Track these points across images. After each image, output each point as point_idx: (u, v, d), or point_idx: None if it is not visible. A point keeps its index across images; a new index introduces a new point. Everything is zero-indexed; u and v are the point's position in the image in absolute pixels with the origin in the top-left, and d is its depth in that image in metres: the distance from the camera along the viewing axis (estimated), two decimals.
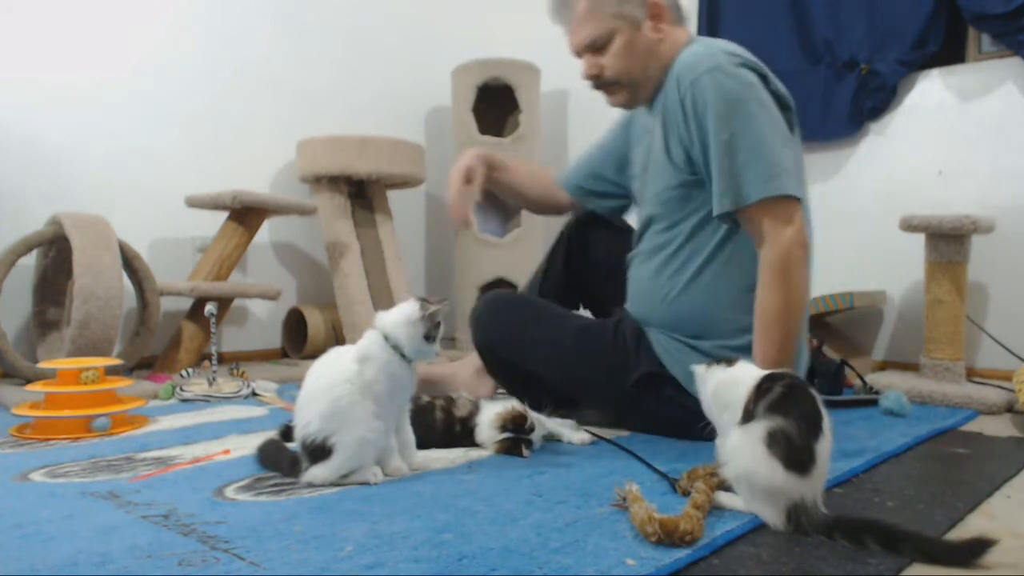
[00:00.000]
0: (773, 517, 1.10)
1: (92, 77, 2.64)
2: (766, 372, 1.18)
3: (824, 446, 1.08)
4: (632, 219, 1.88)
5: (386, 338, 1.34)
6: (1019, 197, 2.47)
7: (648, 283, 1.69)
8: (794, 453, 1.06)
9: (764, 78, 1.54)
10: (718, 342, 1.60)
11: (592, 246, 1.92)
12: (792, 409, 1.09)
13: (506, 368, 1.85)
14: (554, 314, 1.80)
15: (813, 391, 1.13)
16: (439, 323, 1.35)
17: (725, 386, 1.21)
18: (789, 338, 1.45)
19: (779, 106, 1.54)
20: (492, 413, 1.59)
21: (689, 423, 1.41)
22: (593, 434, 1.67)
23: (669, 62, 1.61)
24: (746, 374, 1.19)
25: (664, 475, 1.34)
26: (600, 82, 1.67)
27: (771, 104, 1.52)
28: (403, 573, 0.95)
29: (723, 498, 1.17)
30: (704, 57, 1.52)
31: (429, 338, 1.34)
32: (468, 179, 1.79)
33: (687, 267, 1.62)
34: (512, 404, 1.60)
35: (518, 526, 1.11)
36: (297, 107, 3.15)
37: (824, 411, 1.11)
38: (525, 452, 1.52)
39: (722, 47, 1.56)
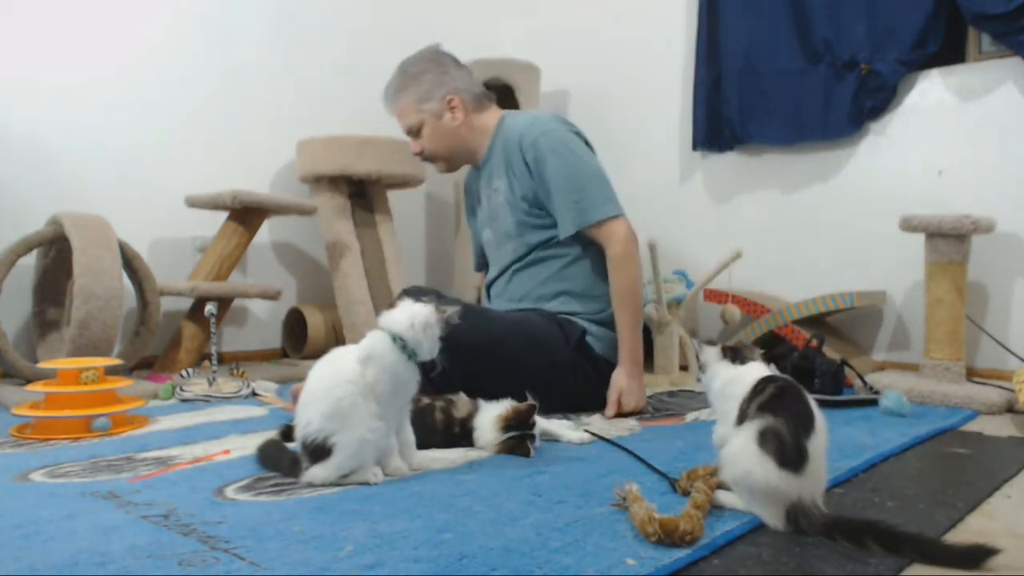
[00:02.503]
0: (773, 518, 1.10)
1: (92, 77, 2.64)
2: (764, 374, 1.18)
3: (817, 444, 1.09)
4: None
5: (394, 338, 1.34)
6: (1019, 197, 2.47)
7: (531, 282, 2.12)
8: (786, 451, 1.07)
9: (578, 134, 2.12)
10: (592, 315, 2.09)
11: None
12: (781, 408, 1.10)
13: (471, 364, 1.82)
14: (496, 312, 2.09)
15: (804, 391, 1.14)
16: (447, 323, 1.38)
17: (732, 383, 1.21)
18: (639, 307, 2.01)
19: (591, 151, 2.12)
20: (492, 415, 1.58)
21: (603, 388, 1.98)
22: (593, 434, 1.68)
23: (486, 135, 2.16)
24: (750, 376, 1.19)
25: (664, 475, 1.34)
26: (423, 157, 2.20)
27: (588, 150, 2.10)
28: (403, 573, 0.95)
29: (723, 497, 1.17)
30: (534, 125, 2.07)
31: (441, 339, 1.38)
32: None
33: (555, 267, 2.09)
34: (510, 403, 1.59)
35: (518, 526, 1.11)
36: (297, 107, 3.15)
37: (816, 410, 1.12)
38: (532, 451, 1.52)
39: (546, 115, 2.14)
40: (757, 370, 1.21)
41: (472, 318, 1.83)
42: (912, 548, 1.00)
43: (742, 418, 1.14)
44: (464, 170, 2.34)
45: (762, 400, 1.12)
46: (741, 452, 1.11)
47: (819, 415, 1.12)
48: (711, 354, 1.28)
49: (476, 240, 2.39)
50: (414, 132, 2.15)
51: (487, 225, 2.25)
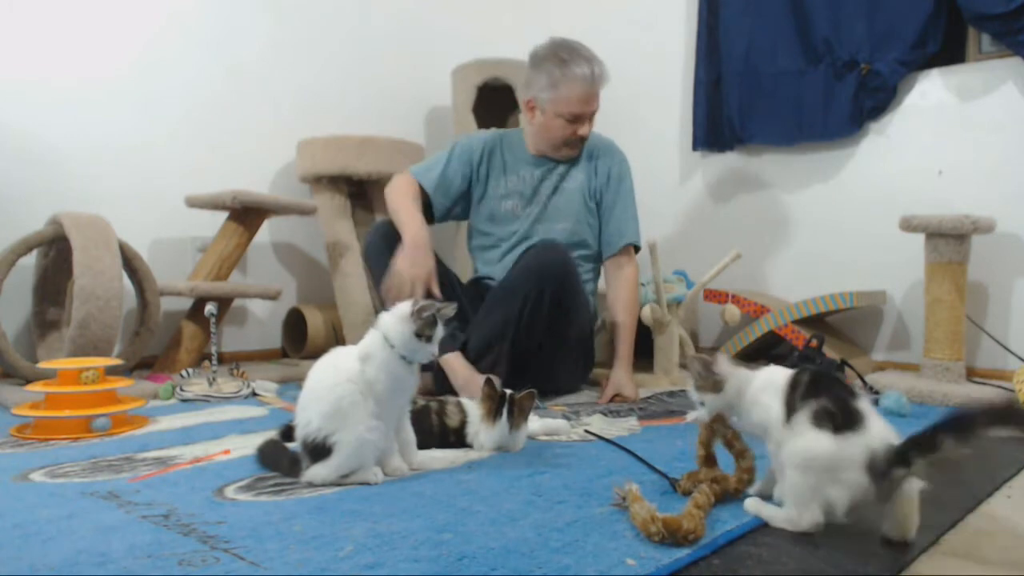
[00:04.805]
0: (843, 498, 1.05)
1: (92, 77, 2.64)
2: (794, 370, 1.16)
3: (866, 404, 1.08)
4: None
5: (385, 338, 1.34)
6: (1019, 197, 2.47)
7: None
8: (838, 418, 1.05)
9: None
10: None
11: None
12: (822, 390, 1.09)
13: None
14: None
15: (837, 375, 1.14)
16: (435, 322, 1.34)
17: (761, 389, 1.18)
18: (637, 320, 2.34)
19: None
20: (476, 411, 1.60)
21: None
22: (593, 434, 1.68)
23: None
24: (778, 376, 1.17)
25: (664, 475, 1.34)
26: (583, 141, 2.33)
27: None
28: (403, 573, 0.95)
29: (765, 510, 1.14)
30: (616, 147, 2.43)
31: (421, 336, 1.33)
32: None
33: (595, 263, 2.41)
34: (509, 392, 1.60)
35: (518, 526, 1.11)
36: (297, 107, 3.15)
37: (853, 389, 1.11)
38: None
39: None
40: (777, 371, 1.19)
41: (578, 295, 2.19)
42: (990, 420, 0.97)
43: (790, 410, 1.11)
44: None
45: (803, 390, 1.11)
46: (799, 442, 1.08)
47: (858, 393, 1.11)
48: (724, 362, 1.22)
49: (443, 182, 2.47)
50: (592, 117, 2.31)
51: (517, 197, 2.39)
